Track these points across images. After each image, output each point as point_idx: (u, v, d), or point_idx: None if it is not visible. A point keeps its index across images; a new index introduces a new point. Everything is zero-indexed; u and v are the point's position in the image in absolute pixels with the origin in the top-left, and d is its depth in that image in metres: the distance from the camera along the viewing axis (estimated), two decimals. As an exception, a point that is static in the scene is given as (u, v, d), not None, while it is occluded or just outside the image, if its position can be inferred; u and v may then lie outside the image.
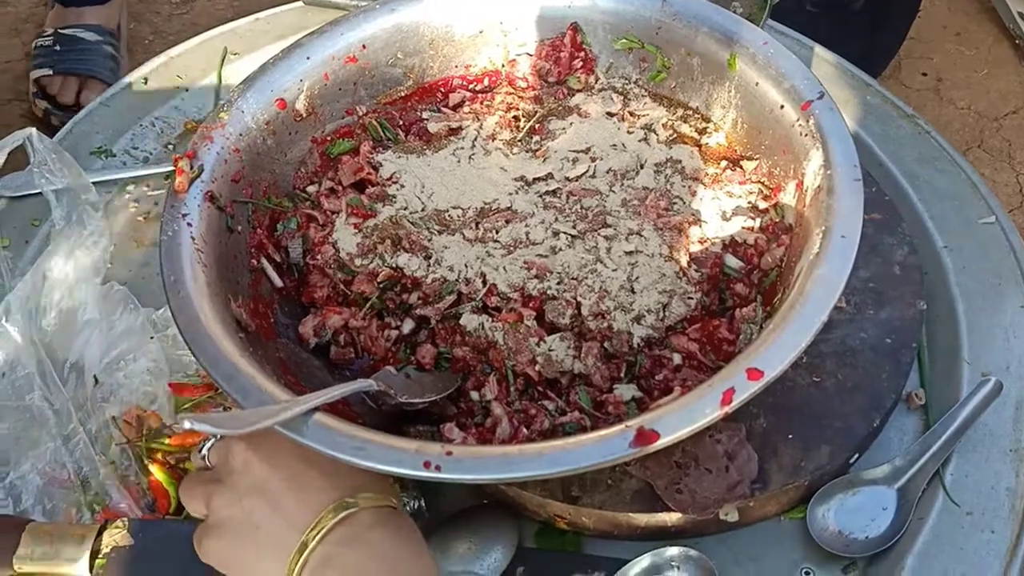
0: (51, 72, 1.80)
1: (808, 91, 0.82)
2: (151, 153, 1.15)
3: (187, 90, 1.20)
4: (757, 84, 0.87)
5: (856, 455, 0.82)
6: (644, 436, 0.62)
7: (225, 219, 0.84)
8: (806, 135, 0.81)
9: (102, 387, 0.87)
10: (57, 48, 1.82)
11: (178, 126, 1.17)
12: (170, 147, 1.16)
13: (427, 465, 0.62)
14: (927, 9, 1.68)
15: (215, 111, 0.88)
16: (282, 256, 0.90)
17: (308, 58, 0.93)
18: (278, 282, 0.88)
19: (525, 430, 0.76)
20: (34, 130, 1.04)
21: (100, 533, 0.72)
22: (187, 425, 0.57)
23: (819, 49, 1.17)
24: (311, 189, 0.95)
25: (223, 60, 1.21)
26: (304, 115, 0.93)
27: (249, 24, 1.26)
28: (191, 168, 0.83)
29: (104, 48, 1.85)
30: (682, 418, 0.63)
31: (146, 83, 1.20)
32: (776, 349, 0.66)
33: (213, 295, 0.76)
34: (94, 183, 1.06)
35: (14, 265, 1.01)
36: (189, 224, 0.79)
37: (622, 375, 0.81)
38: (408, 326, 0.86)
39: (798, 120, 0.82)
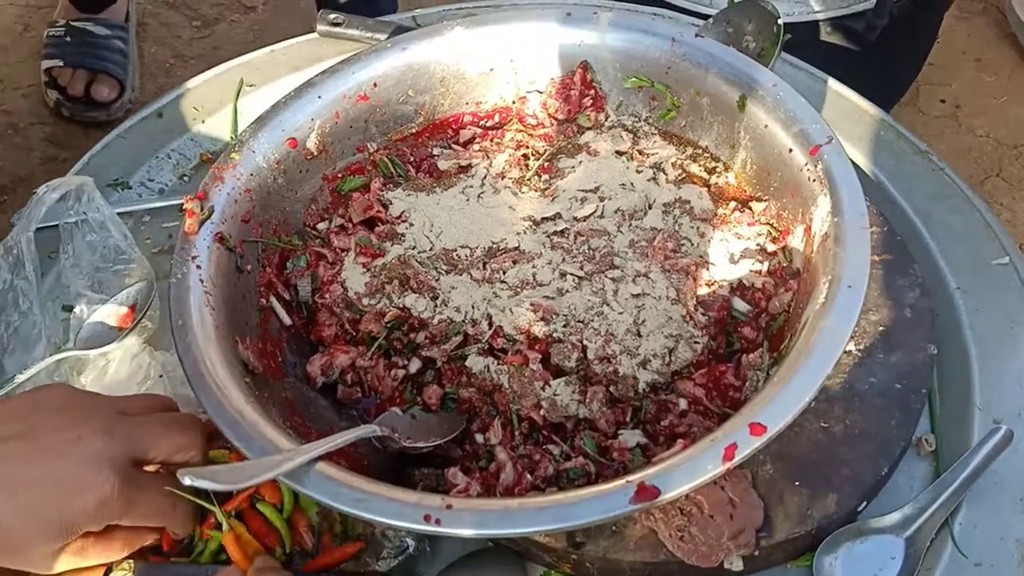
0: (62, 64, 1.85)
1: (817, 135, 0.82)
2: (166, 185, 1.17)
3: (203, 122, 1.21)
4: (766, 126, 0.87)
5: (864, 502, 0.81)
6: (645, 492, 0.62)
7: (235, 259, 0.85)
8: (814, 180, 0.80)
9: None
10: (68, 40, 1.87)
11: (194, 158, 1.19)
12: (185, 179, 1.17)
13: (427, 519, 0.62)
14: (946, 35, 1.66)
15: (227, 151, 0.89)
16: (291, 294, 0.91)
17: (319, 97, 0.94)
18: (287, 320, 0.89)
19: (529, 476, 0.76)
20: (90, 180, 1.05)
21: (107, 574, 0.73)
22: (188, 481, 0.57)
23: (832, 83, 1.16)
24: (321, 226, 0.95)
25: (239, 92, 1.22)
26: (315, 153, 0.94)
27: (265, 56, 1.27)
28: (201, 209, 0.84)
29: (114, 43, 1.89)
30: (683, 474, 0.63)
31: (162, 116, 1.21)
32: (780, 403, 0.66)
33: (220, 338, 0.77)
34: (109, 215, 1.07)
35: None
36: (198, 266, 0.80)
37: (627, 420, 0.80)
38: (415, 366, 0.86)
39: (806, 164, 0.82)
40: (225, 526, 0.73)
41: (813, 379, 0.66)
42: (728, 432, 0.65)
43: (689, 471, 0.63)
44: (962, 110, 1.74)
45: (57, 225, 1.05)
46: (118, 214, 1.10)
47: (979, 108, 1.74)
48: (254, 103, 1.21)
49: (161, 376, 0.92)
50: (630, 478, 0.63)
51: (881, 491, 0.83)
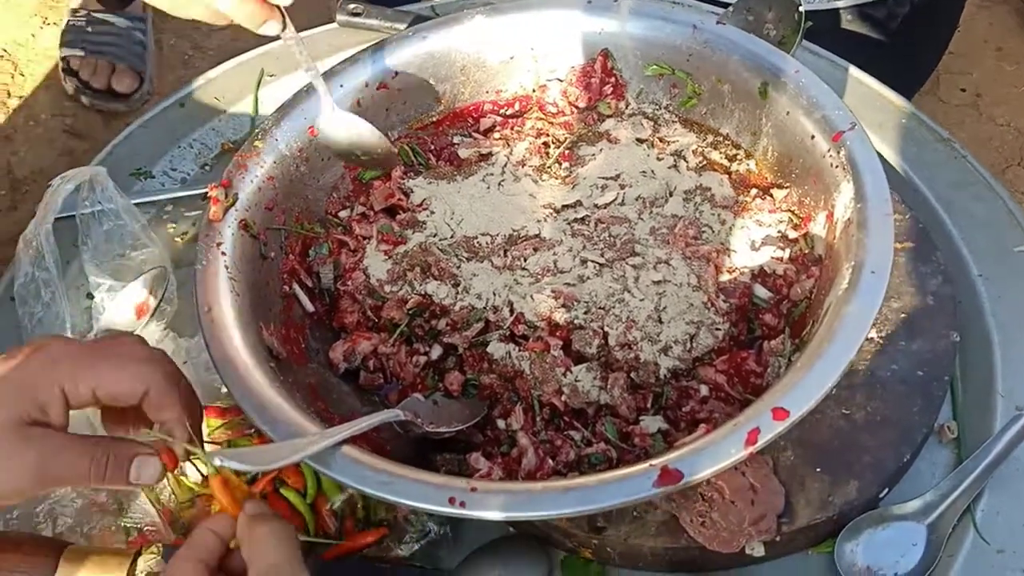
0: (83, 54, 1.86)
1: (840, 122, 0.82)
2: (188, 174, 1.17)
3: (224, 112, 1.22)
4: (788, 113, 0.86)
5: (886, 489, 0.81)
6: (668, 475, 0.62)
7: (259, 246, 0.86)
8: (837, 166, 0.80)
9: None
10: (89, 30, 1.88)
11: (215, 147, 1.19)
12: (207, 168, 1.18)
13: (452, 501, 0.63)
14: (966, 23, 1.65)
15: (250, 139, 0.90)
16: (314, 281, 0.91)
17: (341, 86, 0.95)
18: (310, 307, 0.89)
19: (551, 461, 0.77)
20: (103, 170, 1.06)
21: (136, 558, 0.74)
22: (217, 462, 0.58)
23: (853, 70, 1.16)
24: (343, 214, 0.96)
25: (259, 82, 1.23)
26: (337, 141, 0.95)
27: (285, 46, 1.27)
28: (226, 197, 0.85)
29: (134, 34, 1.90)
30: (706, 457, 0.63)
31: (183, 106, 1.22)
32: (802, 388, 0.66)
33: (245, 324, 0.77)
34: (134, 204, 1.08)
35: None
36: (223, 253, 0.81)
37: (648, 406, 0.81)
38: (436, 352, 0.87)
39: (829, 151, 0.82)
40: (210, 469, 0.64)
41: (836, 364, 0.66)
42: (751, 417, 0.65)
43: (712, 455, 0.63)
44: (983, 99, 1.73)
45: (75, 216, 1.06)
46: (141, 203, 1.12)
47: (1000, 97, 1.73)
48: (274, 92, 1.21)
49: (185, 362, 0.93)
50: (653, 462, 0.63)
51: (903, 478, 0.83)
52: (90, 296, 1.03)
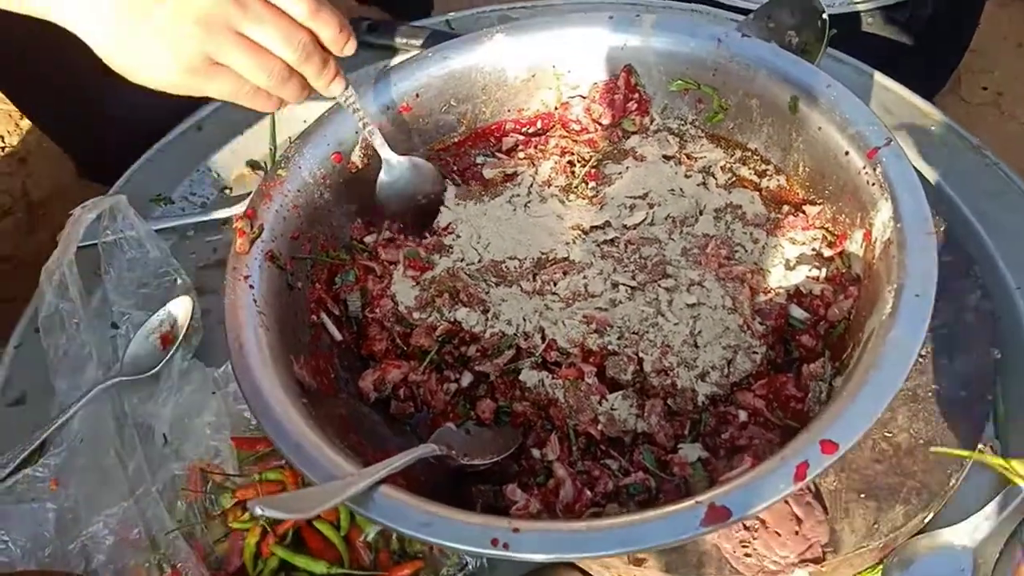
0: None
1: (874, 137, 0.80)
2: (208, 199, 1.17)
3: (242, 133, 1.21)
4: (820, 128, 0.85)
5: (931, 513, 0.79)
6: (715, 513, 0.61)
7: (286, 277, 0.85)
8: (873, 184, 0.78)
9: (170, 444, 0.88)
10: None
11: (235, 170, 1.18)
12: (228, 191, 1.17)
13: (495, 543, 0.62)
14: (987, 20, 1.62)
15: (273, 168, 0.89)
16: (341, 310, 0.90)
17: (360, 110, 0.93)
18: (338, 336, 0.88)
19: (588, 492, 0.75)
20: (124, 198, 1.05)
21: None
22: (258, 511, 0.57)
23: (878, 76, 1.14)
24: (368, 239, 0.95)
25: (276, 102, 1.22)
26: (360, 167, 0.94)
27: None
28: (251, 228, 0.83)
29: None
30: (754, 493, 0.62)
31: (201, 129, 1.21)
32: (849, 419, 0.64)
33: (276, 359, 0.76)
34: (155, 231, 1.08)
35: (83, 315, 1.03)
36: (251, 286, 0.80)
37: (686, 433, 0.79)
38: (467, 379, 0.86)
39: (864, 168, 0.80)
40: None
41: (884, 393, 0.65)
42: (798, 450, 0.63)
43: (760, 491, 0.62)
44: (1004, 97, 1.70)
45: (97, 244, 1.05)
46: (162, 229, 1.11)
47: (1022, 95, 1.70)
48: (292, 112, 1.19)
49: (214, 393, 0.92)
50: (700, 499, 0.62)
51: (948, 502, 0.81)
52: (115, 326, 1.02)
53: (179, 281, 1.04)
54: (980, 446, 0.83)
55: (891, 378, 0.65)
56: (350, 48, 0.78)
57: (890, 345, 0.67)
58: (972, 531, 0.79)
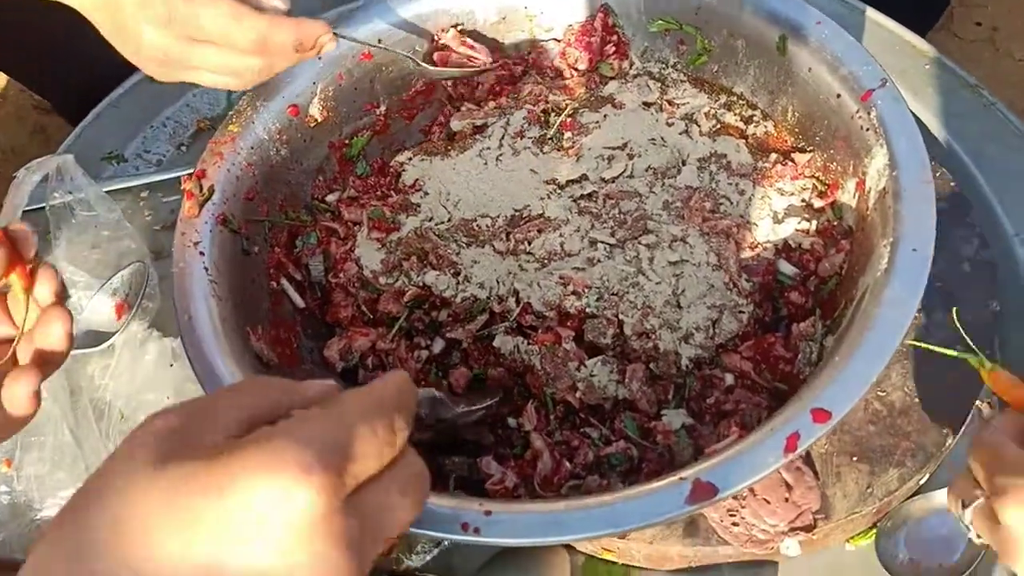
0: None
1: (868, 79, 0.74)
2: (164, 156, 1.10)
3: (198, 85, 1.13)
4: (810, 69, 0.79)
5: (927, 475, 0.75)
6: (701, 489, 0.57)
7: (240, 242, 0.79)
8: (867, 129, 0.73)
9: (127, 421, 0.84)
10: None
11: (191, 125, 1.12)
12: (183, 148, 1.11)
13: (465, 527, 0.57)
14: (982, -49, 1.56)
15: (224, 124, 0.83)
16: (303, 275, 0.85)
17: (319, 59, 0.86)
18: (300, 303, 0.83)
19: (568, 464, 0.71)
20: (71, 157, 0.99)
21: None
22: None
23: (871, 12, 1.08)
24: (331, 198, 0.89)
25: (233, 52, 1.14)
26: (319, 120, 0.87)
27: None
28: (201, 190, 0.78)
29: None
30: (742, 467, 0.58)
31: (154, 81, 1.13)
32: (843, 385, 0.60)
33: (230, 332, 0.71)
34: (107, 192, 1.02)
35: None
36: (201, 253, 0.74)
37: (669, 398, 0.75)
38: (439, 346, 0.81)
39: (858, 112, 0.74)
40: None
41: (879, 356, 0.60)
42: (789, 419, 0.59)
43: (748, 465, 0.58)
44: (999, 33, 1.63)
45: (44, 207, 0.99)
46: (115, 190, 1.05)
47: (1017, 30, 1.63)
48: (251, 63, 1.13)
49: (171, 364, 0.87)
50: (684, 474, 0.58)
51: (945, 462, 0.77)
52: (66, 295, 0.96)
53: (133, 246, 0.98)
54: (978, 402, 0.80)
55: (886, 340, 0.61)
56: (330, 46, 0.75)
57: (885, 304, 0.63)
58: (969, 492, 0.75)
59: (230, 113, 0.84)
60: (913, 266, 0.64)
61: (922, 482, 0.75)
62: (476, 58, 0.90)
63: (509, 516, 0.58)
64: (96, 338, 0.91)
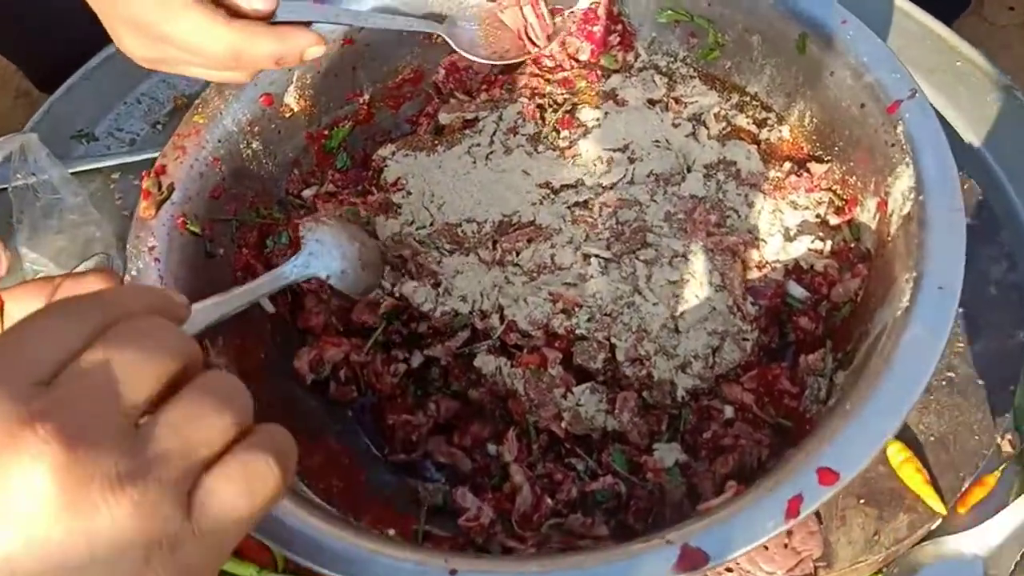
0: None
1: (896, 88, 0.67)
2: (138, 135, 1.04)
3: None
4: (832, 74, 0.72)
5: (939, 520, 0.70)
6: (690, 557, 0.51)
7: (203, 244, 0.73)
8: (892, 144, 0.66)
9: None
10: None
11: (167, 102, 1.05)
12: (159, 127, 1.04)
13: (428, 590, 0.52)
14: (1018, -70, 1.46)
15: (188, 115, 0.76)
16: (273, 278, 0.78)
17: (297, 42, 0.79)
18: (269, 308, 0.77)
19: (549, 500, 0.66)
20: (34, 136, 0.93)
21: None
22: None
23: (900, 2, 1.00)
24: (307, 193, 0.83)
25: (215, 24, 1.07)
26: (295, 110, 0.81)
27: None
28: (159, 188, 0.71)
29: None
30: (737, 533, 0.52)
31: (130, 55, 1.06)
32: (855, 441, 0.54)
33: (185, 348, 0.65)
34: (75, 173, 0.96)
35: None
36: (157, 259, 0.68)
37: (663, 429, 0.69)
38: (417, 360, 0.75)
39: (883, 124, 0.67)
40: None
41: (896, 410, 0.54)
42: (791, 477, 0.53)
43: (744, 529, 0.52)
44: (1033, 18, 1.54)
45: (7, 189, 0.93)
46: (83, 171, 0.99)
47: (1052, 15, 1.55)
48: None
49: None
50: (671, 537, 0.52)
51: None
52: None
53: (98, 234, 0.92)
54: (998, 438, 0.74)
55: (906, 393, 0.54)
56: (316, 52, 0.65)
57: (905, 348, 0.56)
58: (984, 538, 0.69)
59: (196, 102, 0.77)
60: (938, 306, 0.57)
61: (932, 527, 0.70)
62: (534, 41, 0.80)
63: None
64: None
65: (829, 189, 0.75)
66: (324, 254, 0.66)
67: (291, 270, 0.65)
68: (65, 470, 0.32)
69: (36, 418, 0.32)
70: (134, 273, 0.67)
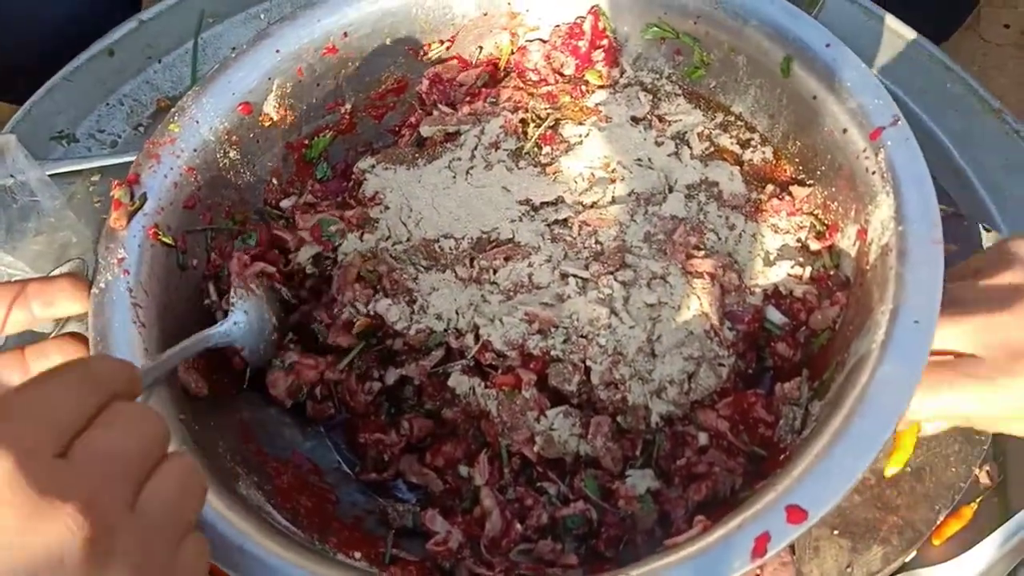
0: None
1: (879, 115, 0.66)
2: (119, 136, 1.02)
3: (159, 61, 1.05)
4: (815, 97, 0.71)
5: (913, 554, 0.69)
6: (653, 595, 0.50)
7: (176, 256, 0.72)
8: (873, 172, 0.65)
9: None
10: None
11: (150, 104, 1.04)
12: (141, 129, 1.02)
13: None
14: (1014, -54, 1.45)
15: (163, 123, 0.75)
16: (248, 288, 0.77)
17: (277, 51, 0.78)
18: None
19: (519, 526, 0.65)
20: (13, 138, 0.92)
21: None
22: None
23: (890, 20, 0.99)
24: (285, 204, 0.82)
25: (200, 26, 1.06)
26: (275, 119, 0.79)
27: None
28: (131, 199, 0.70)
29: None
30: (702, 572, 0.51)
31: (112, 54, 1.05)
32: (824, 479, 0.53)
33: (152, 364, 0.64)
34: (53, 175, 0.95)
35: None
36: (126, 271, 0.67)
37: (637, 454, 0.68)
38: (392, 376, 0.74)
39: (865, 151, 0.66)
40: None
41: (867, 449, 0.53)
42: (760, 514, 0.52)
43: (709, 569, 0.51)
44: (1028, 36, 1.54)
45: (-7, 188, 0.92)
46: (63, 173, 0.97)
47: (1048, 33, 1.54)
48: (218, 38, 1.05)
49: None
50: (634, 574, 0.51)
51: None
52: (2, 288, 0.90)
53: (75, 239, 0.91)
54: (975, 470, 0.73)
55: (877, 431, 0.54)
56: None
57: (879, 383, 0.56)
58: (959, 572, 0.69)
59: (172, 110, 0.76)
60: (913, 341, 0.56)
61: (906, 560, 0.69)
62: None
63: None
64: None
65: (811, 213, 0.74)
66: (246, 326, 0.70)
67: (215, 336, 0.69)
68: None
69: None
70: (102, 285, 0.66)
